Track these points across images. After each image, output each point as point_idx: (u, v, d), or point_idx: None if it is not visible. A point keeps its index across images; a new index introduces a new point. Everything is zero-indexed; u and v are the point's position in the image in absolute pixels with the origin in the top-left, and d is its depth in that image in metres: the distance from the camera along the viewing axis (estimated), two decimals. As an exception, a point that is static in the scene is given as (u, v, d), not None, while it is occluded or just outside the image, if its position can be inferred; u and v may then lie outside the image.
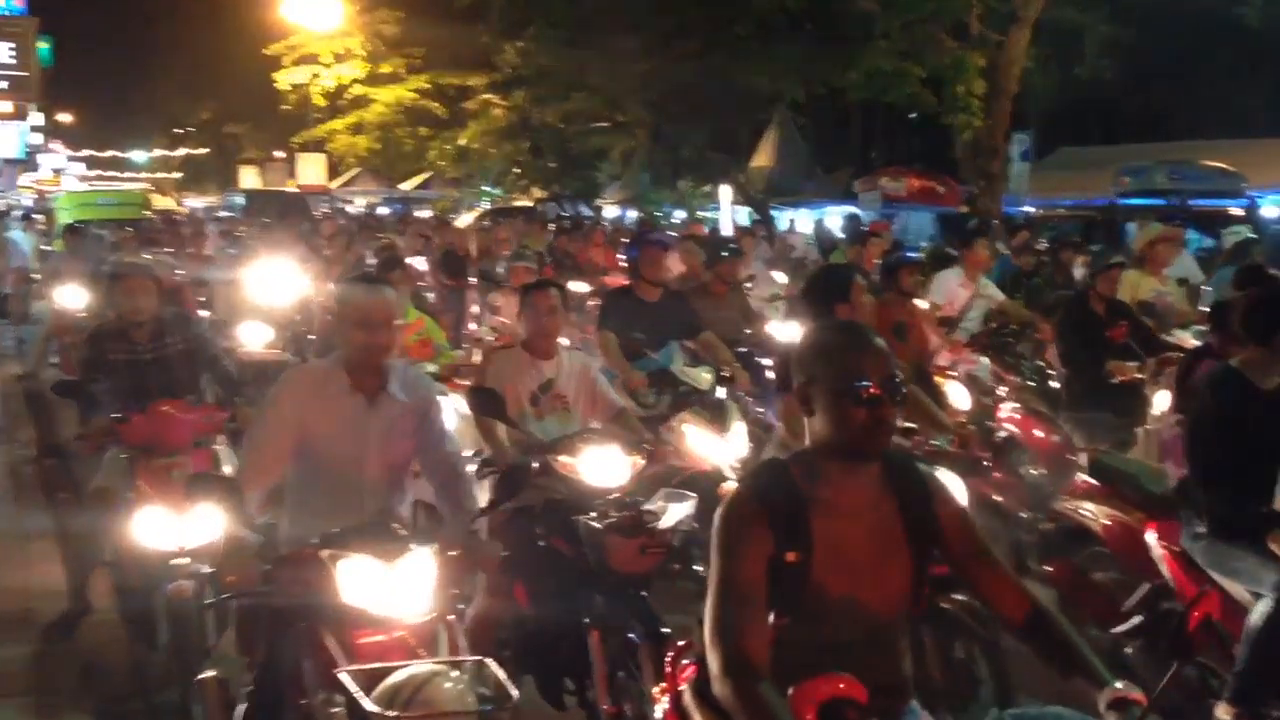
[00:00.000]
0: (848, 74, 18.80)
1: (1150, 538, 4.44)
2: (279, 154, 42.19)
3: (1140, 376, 6.61)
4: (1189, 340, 6.97)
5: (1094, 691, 2.36)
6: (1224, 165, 17.31)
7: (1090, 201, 19.65)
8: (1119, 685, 2.33)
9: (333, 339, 4.05)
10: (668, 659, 2.97)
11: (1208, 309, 6.03)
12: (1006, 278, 9.93)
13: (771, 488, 2.55)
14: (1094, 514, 4.84)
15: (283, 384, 3.82)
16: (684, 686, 2.73)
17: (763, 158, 26.23)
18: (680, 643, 2.94)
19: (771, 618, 2.47)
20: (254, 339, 7.86)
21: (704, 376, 6.31)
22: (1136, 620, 4.45)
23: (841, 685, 2.31)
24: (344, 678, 2.87)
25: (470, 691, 2.90)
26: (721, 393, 6.28)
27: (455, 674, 2.94)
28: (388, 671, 2.91)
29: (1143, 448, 5.63)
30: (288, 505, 3.70)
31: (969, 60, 16.99)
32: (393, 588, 3.15)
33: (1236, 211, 17.05)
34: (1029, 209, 19.93)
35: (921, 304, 7.52)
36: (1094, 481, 5.02)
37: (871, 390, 2.47)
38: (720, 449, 5.82)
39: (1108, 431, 6.35)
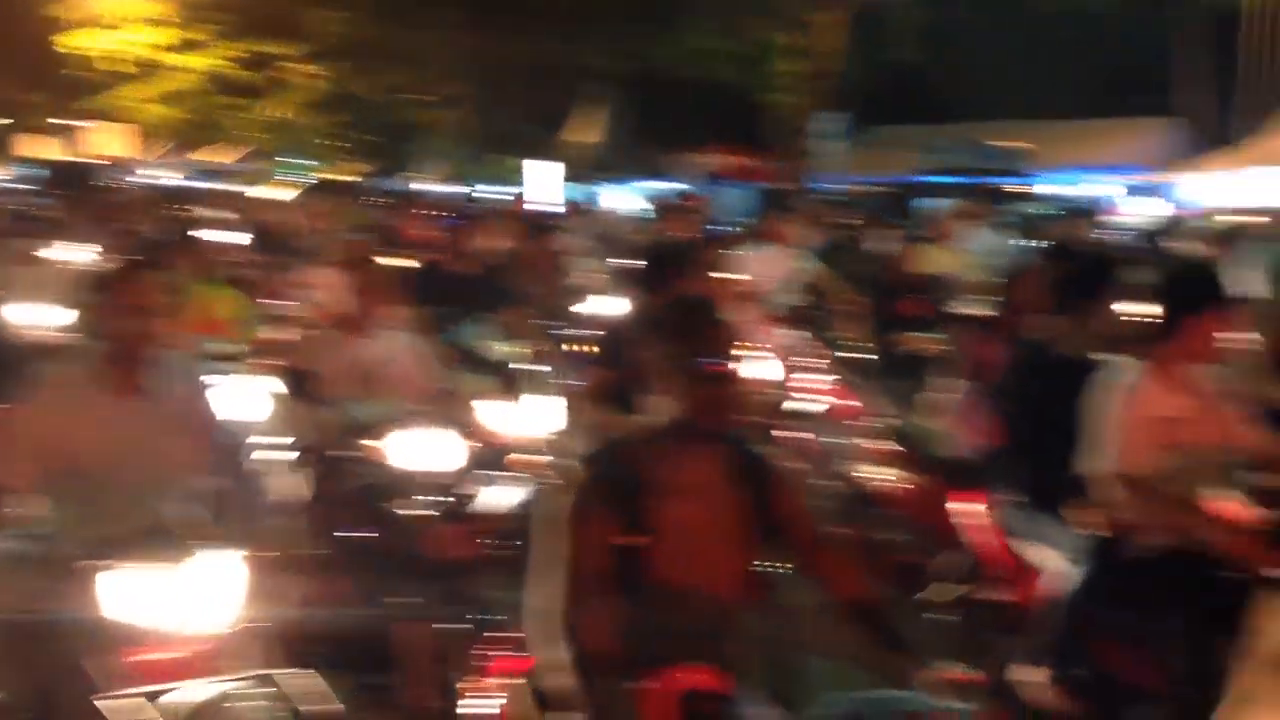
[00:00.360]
0: (668, 50, 18.98)
1: (960, 506, 4.54)
2: (77, 124, 39.78)
3: (939, 347, 6.91)
4: (979, 311, 7.32)
5: (921, 672, 2.41)
6: (1014, 144, 18.27)
7: (897, 179, 20.43)
8: (951, 667, 2.41)
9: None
10: (493, 650, 2.92)
11: (996, 281, 6.34)
12: (822, 253, 10.23)
13: (612, 470, 2.52)
14: (889, 479, 5.03)
15: (31, 385, 3.46)
16: (518, 680, 2.69)
17: (586, 133, 26.21)
18: (507, 634, 2.90)
19: (618, 604, 2.42)
20: (43, 321, 7.41)
21: (508, 350, 6.25)
22: (958, 591, 4.52)
23: (700, 676, 2.31)
24: (104, 705, 2.58)
25: (270, 708, 2.64)
26: (538, 368, 6.25)
27: (254, 690, 2.67)
28: (159, 694, 2.61)
29: (929, 414, 5.83)
30: (57, 515, 3.34)
31: (781, 41, 17.41)
32: (175, 598, 2.86)
33: (1027, 189, 18.02)
34: (844, 186, 20.56)
35: (742, 277, 7.66)
36: (894, 448, 5.23)
37: (715, 367, 2.46)
38: (515, 423, 5.67)
39: (910, 401, 6.63)
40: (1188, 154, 19.35)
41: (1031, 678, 3.74)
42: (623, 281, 6.91)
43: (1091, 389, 3.74)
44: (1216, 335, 3.65)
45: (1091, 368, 3.86)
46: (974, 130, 20.54)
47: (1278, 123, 17.42)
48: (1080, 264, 4.64)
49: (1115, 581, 3.60)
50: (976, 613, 4.42)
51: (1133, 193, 18.86)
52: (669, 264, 4.82)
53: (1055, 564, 4.00)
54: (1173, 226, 12.77)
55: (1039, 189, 18.42)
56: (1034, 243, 8.80)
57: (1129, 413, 3.60)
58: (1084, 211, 13.66)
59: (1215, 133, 19.69)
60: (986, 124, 21.04)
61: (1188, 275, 3.95)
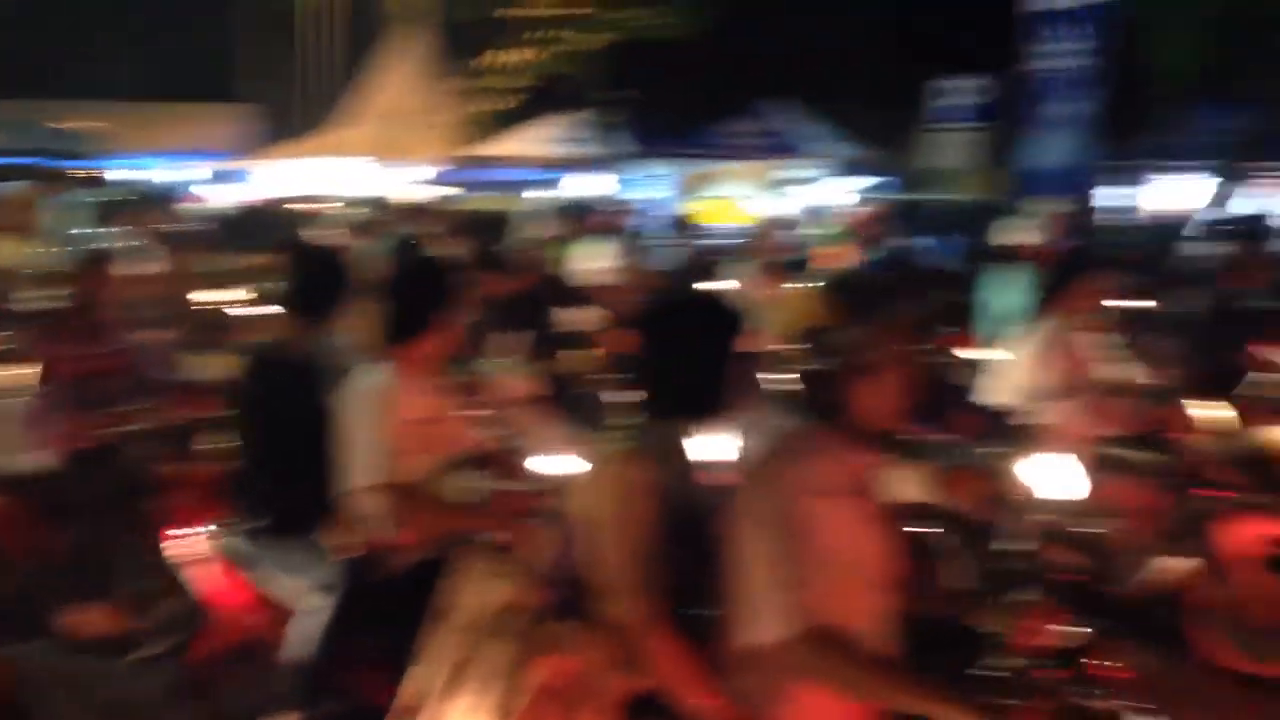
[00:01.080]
0: None
1: (175, 540, 4.05)
2: None
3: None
4: (48, 306, 6.76)
5: None
6: (81, 125, 17.60)
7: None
8: None
9: None
10: None
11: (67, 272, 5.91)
12: None
13: None
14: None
15: None
16: None
17: None
18: None
19: None
20: None
21: None
22: (176, 641, 4.09)
23: None
24: None
25: None
26: None
27: None
28: None
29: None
30: None
31: None
32: None
33: (96, 174, 17.37)
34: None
35: None
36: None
37: None
38: None
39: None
40: (262, 141, 20.09)
41: None
42: None
43: (338, 396, 3.53)
44: (459, 333, 3.63)
45: (335, 373, 3.64)
46: (38, 109, 19.12)
47: (339, 114, 18.87)
48: (316, 264, 4.33)
49: (369, 603, 3.44)
50: (203, 664, 4.02)
51: (213, 179, 19.03)
52: None
53: (305, 596, 3.70)
54: (308, 213, 13.05)
55: (110, 174, 17.71)
56: (108, 230, 8.39)
57: (382, 419, 3.44)
58: (161, 197, 13.45)
59: (285, 121, 20.73)
60: (52, 103, 19.72)
61: (427, 272, 3.82)
